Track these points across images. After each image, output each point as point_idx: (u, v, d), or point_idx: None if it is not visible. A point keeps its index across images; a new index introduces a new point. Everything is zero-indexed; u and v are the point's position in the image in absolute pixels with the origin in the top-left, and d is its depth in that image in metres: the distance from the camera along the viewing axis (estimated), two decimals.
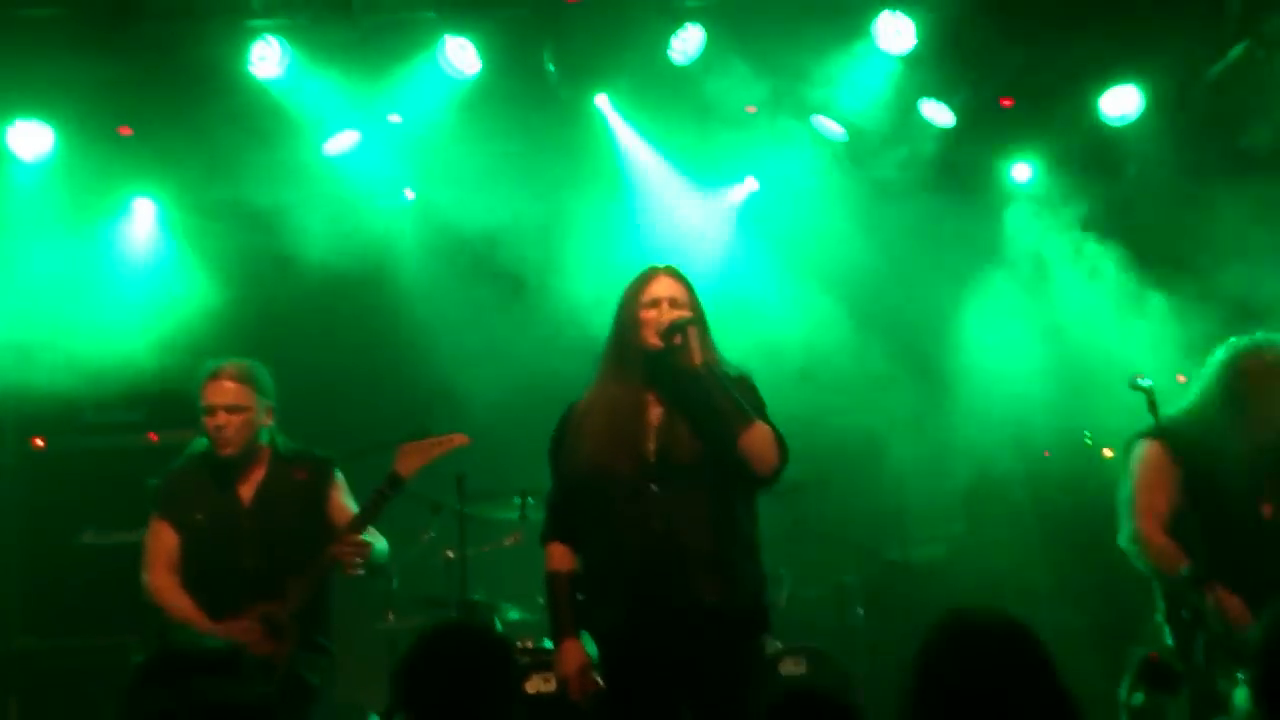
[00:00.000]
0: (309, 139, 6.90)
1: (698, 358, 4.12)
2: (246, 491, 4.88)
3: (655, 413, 4.21)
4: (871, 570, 6.87)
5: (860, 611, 6.70)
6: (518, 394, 6.65)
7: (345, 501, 4.96)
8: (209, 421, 4.83)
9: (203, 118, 6.63)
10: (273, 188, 6.82)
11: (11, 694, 6.41)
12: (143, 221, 7.24)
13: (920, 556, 6.62)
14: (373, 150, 7.09)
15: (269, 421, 4.96)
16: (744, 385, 4.26)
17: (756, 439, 4.10)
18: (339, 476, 5.02)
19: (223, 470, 4.88)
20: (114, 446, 6.37)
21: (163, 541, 4.87)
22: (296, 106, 6.71)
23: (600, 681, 4.22)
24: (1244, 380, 4.71)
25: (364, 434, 5.61)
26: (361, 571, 4.79)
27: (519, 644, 5.95)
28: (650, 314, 4.21)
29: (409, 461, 4.79)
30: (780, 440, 4.17)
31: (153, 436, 5.05)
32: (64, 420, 6.72)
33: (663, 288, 4.26)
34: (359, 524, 4.74)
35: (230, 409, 4.82)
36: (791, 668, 5.81)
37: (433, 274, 7.15)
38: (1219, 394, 4.74)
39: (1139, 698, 4.02)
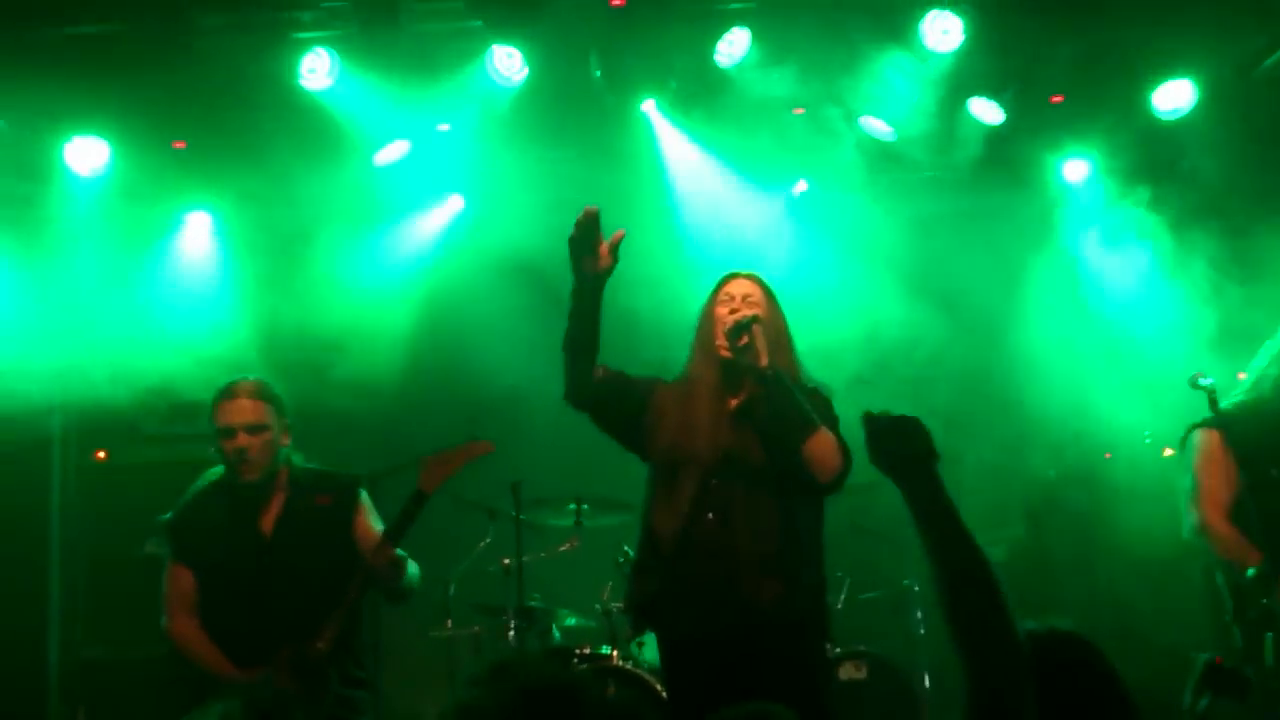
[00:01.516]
0: (359, 149, 6.94)
1: (764, 359, 4.14)
2: (267, 523, 4.55)
3: (728, 412, 4.27)
4: (931, 573, 6.81)
5: (919, 615, 6.66)
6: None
7: (372, 524, 4.65)
8: (229, 445, 4.49)
9: (255, 131, 6.69)
10: (324, 199, 6.88)
11: (79, 704, 6.50)
12: (198, 235, 7.32)
13: None
14: (422, 159, 7.13)
15: (287, 442, 4.65)
16: (816, 397, 4.28)
17: (818, 446, 4.13)
18: (364, 498, 4.71)
19: (240, 501, 4.55)
20: (175, 458, 6.41)
21: (181, 585, 4.55)
22: (347, 117, 6.74)
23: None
24: None
25: (418, 447, 5.56)
26: (395, 585, 4.48)
27: (576, 650, 5.97)
28: (723, 310, 4.32)
29: (433, 476, 4.53)
30: (844, 449, 4.18)
31: None
32: (125, 433, 6.80)
33: (737, 287, 4.38)
34: (390, 542, 4.45)
35: (251, 429, 4.50)
36: (852, 672, 5.80)
37: (485, 282, 7.18)
38: (1271, 383, 4.71)
39: (1204, 703, 3.97)
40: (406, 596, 4.64)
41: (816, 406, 4.24)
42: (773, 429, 4.15)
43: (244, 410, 4.51)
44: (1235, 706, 3.83)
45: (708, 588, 4.12)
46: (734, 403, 4.29)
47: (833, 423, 4.26)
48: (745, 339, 4.19)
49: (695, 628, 4.14)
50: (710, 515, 4.14)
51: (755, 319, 4.22)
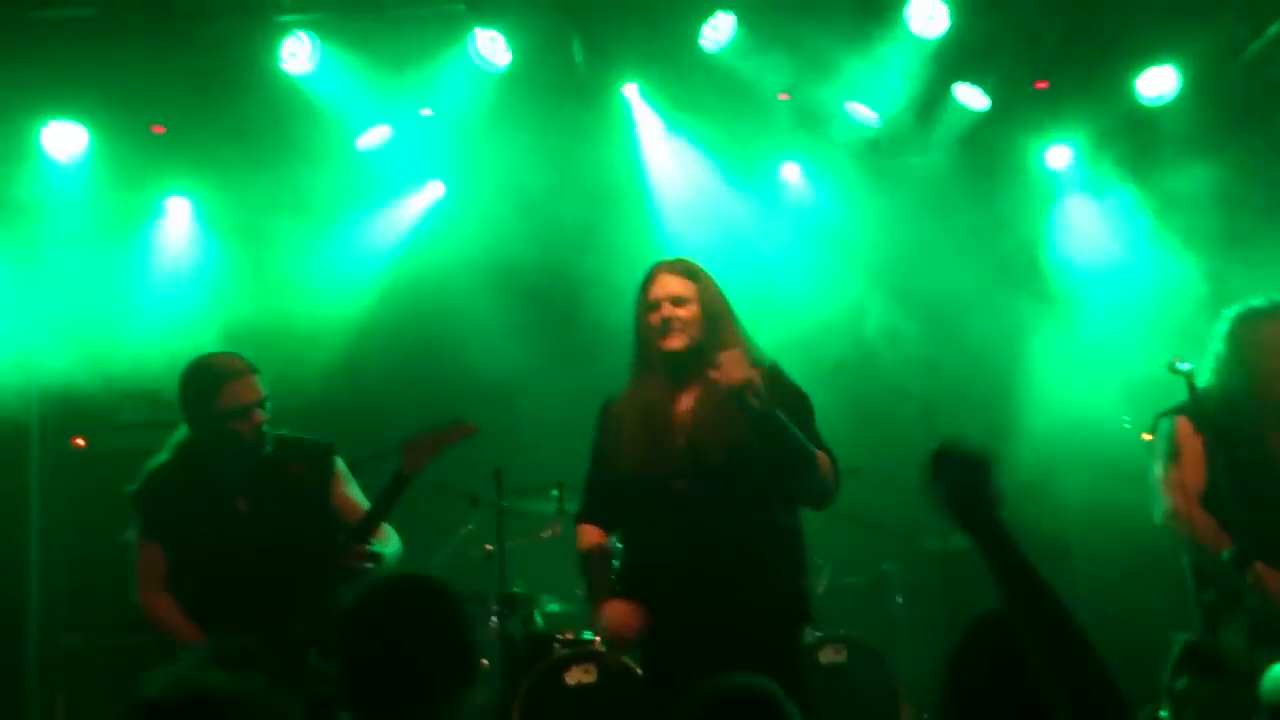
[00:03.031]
0: (341, 134, 6.91)
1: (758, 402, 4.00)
2: (242, 496, 4.45)
3: (683, 411, 4.20)
4: (911, 558, 6.84)
5: (899, 600, 6.67)
6: (554, 386, 6.67)
7: (350, 493, 4.55)
8: (246, 423, 4.38)
9: (235, 115, 6.65)
10: (305, 184, 6.84)
11: (58, 692, 6.47)
12: (178, 220, 7.27)
13: (959, 545, 6.56)
14: (405, 144, 7.09)
15: None
16: (776, 380, 4.20)
17: (823, 476, 4.13)
18: (340, 465, 4.59)
19: (214, 473, 4.44)
20: (153, 445, 6.34)
21: (151, 560, 4.43)
22: (328, 102, 6.71)
23: (642, 626, 4.16)
24: (1252, 346, 4.70)
25: (399, 435, 5.49)
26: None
27: (558, 636, 5.96)
28: (654, 317, 4.19)
29: (415, 459, 4.41)
30: (835, 464, 4.18)
31: None
32: (103, 419, 6.75)
33: (662, 287, 4.22)
34: (366, 528, 4.37)
35: (261, 404, 4.43)
36: (831, 656, 5.80)
37: (466, 269, 7.14)
38: (1230, 362, 4.73)
39: (1181, 683, 3.98)
40: None
41: (791, 401, 4.15)
42: (783, 466, 4.09)
43: (254, 387, 4.43)
44: (1211, 686, 3.84)
45: (681, 584, 4.09)
46: (685, 403, 4.21)
47: (801, 401, 4.21)
48: (750, 395, 3.99)
49: (670, 622, 4.12)
50: (685, 520, 4.10)
51: (755, 385, 3.98)
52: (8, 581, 6.69)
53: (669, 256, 4.43)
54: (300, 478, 4.50)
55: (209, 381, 4.42)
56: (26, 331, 6.66)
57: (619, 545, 4.43)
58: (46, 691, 6.57)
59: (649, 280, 4.26)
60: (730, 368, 3.96)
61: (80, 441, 6.75)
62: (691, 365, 4.14)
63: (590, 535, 4.32)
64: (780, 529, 4.18)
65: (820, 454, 4.14)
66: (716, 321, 4.21)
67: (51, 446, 6.87)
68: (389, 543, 4.50)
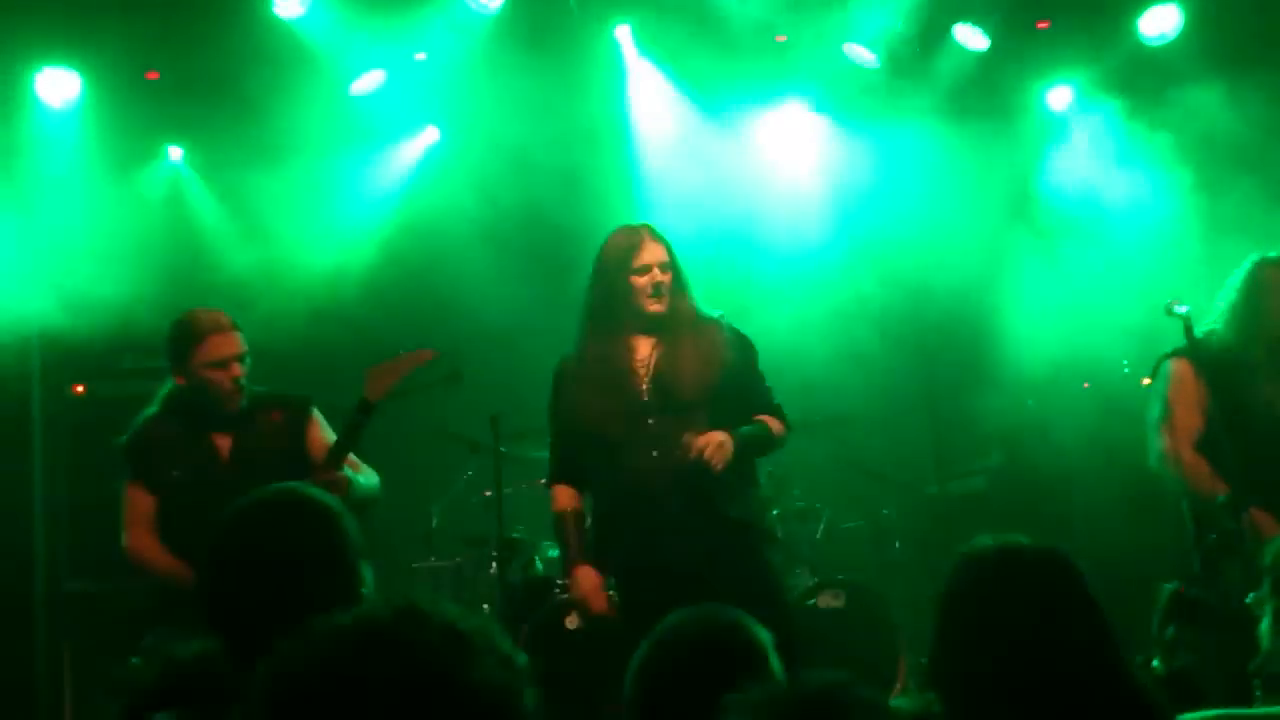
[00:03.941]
0: (334, 79, 6.86)
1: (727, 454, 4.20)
2: (223, 441, 4.59)
3: (645, 356, 4.38)
4: (909, 504, 6.86)
5: (898, 545, 6.71)
6: (551, 332, 6.65)
7: (327, 438, 4.67)
8: (224, 376, 4.51)
9: (227, 61, 6.61)
10: (299, 129, 6.81)
11: (64, 637, 6.53)
12: (172, 166, 7.24)
13: (958, 490, 6.61)
14: (399, 89, 7.05)
15: None
16: (721, 329, 4.41)
17: (778, 441, 4.47)
18: (316, 414, 4.73)
19: (196, 421, 4.58)
20: (152, 391, 6.36)
21: (138, 504, 4.58)
22: (321, 46, 6.67)
23: (613, 601, 4.45)
24: (1264, 296, 4.72)
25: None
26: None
27: (558, 581, 6.00)
28: (642, 281, 4.35)
29: (376, 385, 4.53)
30: (782, 416, 4.47)
31: None
32: (103, 367, 6.77)
33: (651, 253, 4.38)
34: (335, 457, 4.50)
35: (242, 358, 4.56)
36: (830, 601, 5.84)
37: (462, 213, 7.11)
38: (1240, 310, 4.75)
39: (1170, 632, 4.00)
40: (366, 507, 4.57)
41: (720, 340, 4.37)
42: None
43: (235, 342, 4.55)
44: (1200, 634, 3.87)
45: (653, 506, 4.26)
46: (648, 348, 4.37)
47: (749, 354, 4.44)
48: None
49: (646, 546, 4.28)
50: (654, 448, 4.27)
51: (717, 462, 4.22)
52: (12, 528, 6.72)
53: (639, 221, 4.58)
54: (280, 425, 4.64)
55: (192, 334, 4.55)
56: (26, 278, 6.65)
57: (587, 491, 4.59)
58: (53, 636, 6.63)
59: (637, 245, 4.40)
60: (703, 448, 4.18)
61: (80, 389, 6.77)
62: (664, 323, 4.37)
63: (563, 497, 4.53)
64: (742, 460, 4.34)
65: (773, 422, 4.39)
66: (682, 284, 4.42)
67: (51, 393, 6.88)
68: (365, 475, 4.63)
